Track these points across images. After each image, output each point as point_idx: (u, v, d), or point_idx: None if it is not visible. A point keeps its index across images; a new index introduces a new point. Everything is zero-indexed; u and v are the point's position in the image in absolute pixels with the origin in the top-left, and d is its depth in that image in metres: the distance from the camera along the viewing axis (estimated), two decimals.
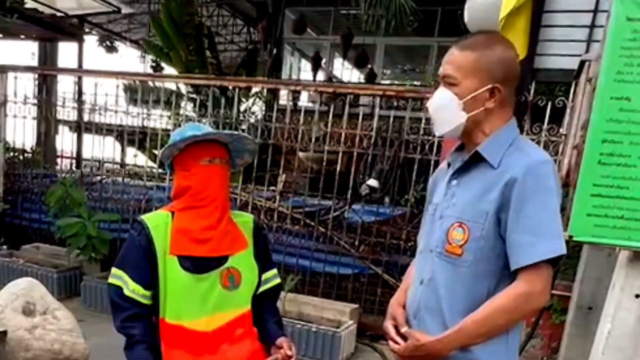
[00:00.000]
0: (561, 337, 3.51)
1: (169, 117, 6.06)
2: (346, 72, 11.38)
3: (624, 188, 2.15)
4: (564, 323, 3.57)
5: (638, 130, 2.18)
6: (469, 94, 1.35)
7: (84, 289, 4.73)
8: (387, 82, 11.16)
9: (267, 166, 4.88)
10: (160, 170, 6.16)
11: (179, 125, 5.29)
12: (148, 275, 1.61)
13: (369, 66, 8.83)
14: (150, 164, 7.16)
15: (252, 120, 6.08)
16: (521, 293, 1.27)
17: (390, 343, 1.42)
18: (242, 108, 6.67)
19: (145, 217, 1.68)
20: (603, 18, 3.78)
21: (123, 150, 6.17)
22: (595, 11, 3.80)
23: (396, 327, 1.45)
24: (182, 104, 6.78)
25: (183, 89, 7.74)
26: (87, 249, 4.74)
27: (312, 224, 4.60)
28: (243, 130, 4.99)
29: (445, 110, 1.38)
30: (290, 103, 6.90)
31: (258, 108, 8.26)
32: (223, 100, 5.05)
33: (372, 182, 4.88)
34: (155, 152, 5.39)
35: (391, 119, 4.49)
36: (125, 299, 1.61)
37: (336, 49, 9.85)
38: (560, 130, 3.89)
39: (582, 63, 3.20)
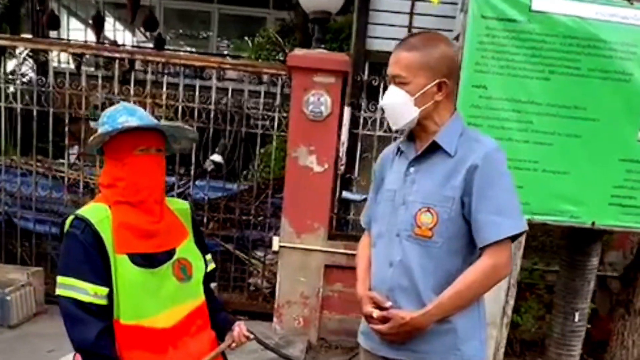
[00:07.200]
0: None
1: None
2: (119, 34, 10.07)
3: None
4: None
5: (494, 115, 2.57)
6: (419, 90, 1.44)
7: None
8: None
9: (48, 136, 4.24)
10: None
11: None
12: (105, 274, 1.41)
13: (158, 31, 8.25)
14: None
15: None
16: (490, 266, 1.41)
17: (375, 326, 1.48)
18: (8, 68, 5.65)
19: (84, 212, 1.45)
20: (420, 6, 4.25)
21: None
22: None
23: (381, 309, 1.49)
24: None
25: None
26: None
27: None
28: (13, 94, 4.34)
29: (399, 107, 1.47)
30: (72, 66, 6.10)
31: (28, 68, 7.12)
32: None
33: (216, 157, 4.74)
34: None
35: (229, 92, 4.38)
36: (87, 310, 1.39)
37: (117, 9, 9.03)
38: None
39: None
